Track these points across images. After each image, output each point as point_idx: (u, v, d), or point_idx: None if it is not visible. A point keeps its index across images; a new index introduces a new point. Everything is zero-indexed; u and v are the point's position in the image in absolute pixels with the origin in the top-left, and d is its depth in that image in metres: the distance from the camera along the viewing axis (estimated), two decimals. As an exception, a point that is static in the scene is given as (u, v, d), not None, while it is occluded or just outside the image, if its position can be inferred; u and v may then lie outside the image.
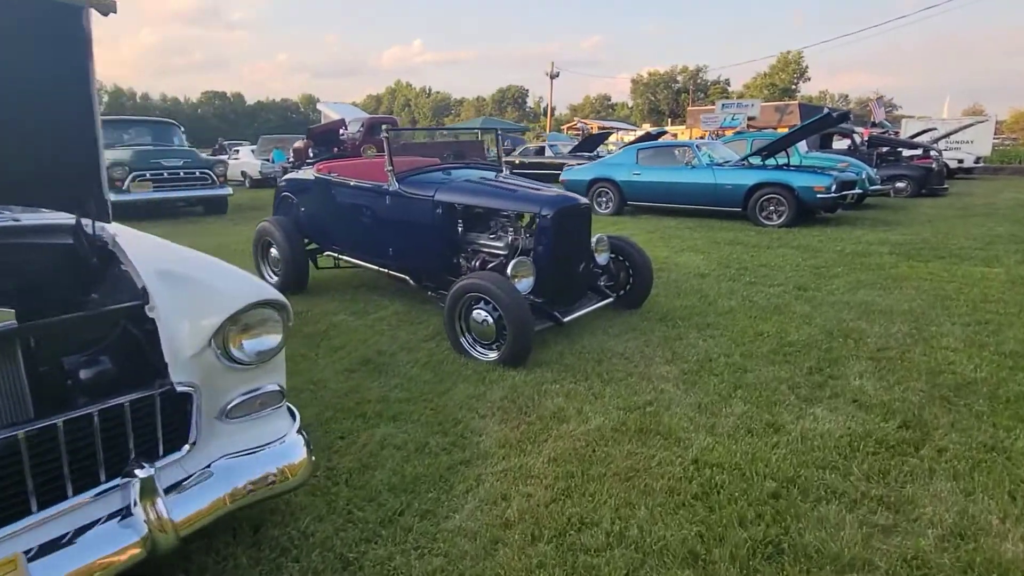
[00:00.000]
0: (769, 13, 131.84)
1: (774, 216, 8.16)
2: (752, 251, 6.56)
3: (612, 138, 25.81)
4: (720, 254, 6.42)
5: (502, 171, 4.97)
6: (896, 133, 20.32)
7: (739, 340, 3.71)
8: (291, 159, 14.29)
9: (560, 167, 11.86)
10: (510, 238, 3.82)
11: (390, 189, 4.08)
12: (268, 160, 16.69)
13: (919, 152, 13.13)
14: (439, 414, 2.78)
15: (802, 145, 11.12)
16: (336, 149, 13.28)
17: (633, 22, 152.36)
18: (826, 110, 8.14)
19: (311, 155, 12.37)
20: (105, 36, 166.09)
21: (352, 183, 4.38)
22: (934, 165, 12.14)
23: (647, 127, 22.61)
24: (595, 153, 15.62)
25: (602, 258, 4.09)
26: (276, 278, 4.88)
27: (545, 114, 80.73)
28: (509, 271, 3.37)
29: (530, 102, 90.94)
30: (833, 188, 7.77)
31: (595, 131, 30.63)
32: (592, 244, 4.02)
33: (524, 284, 3.42)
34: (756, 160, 9.01)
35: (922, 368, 3.21)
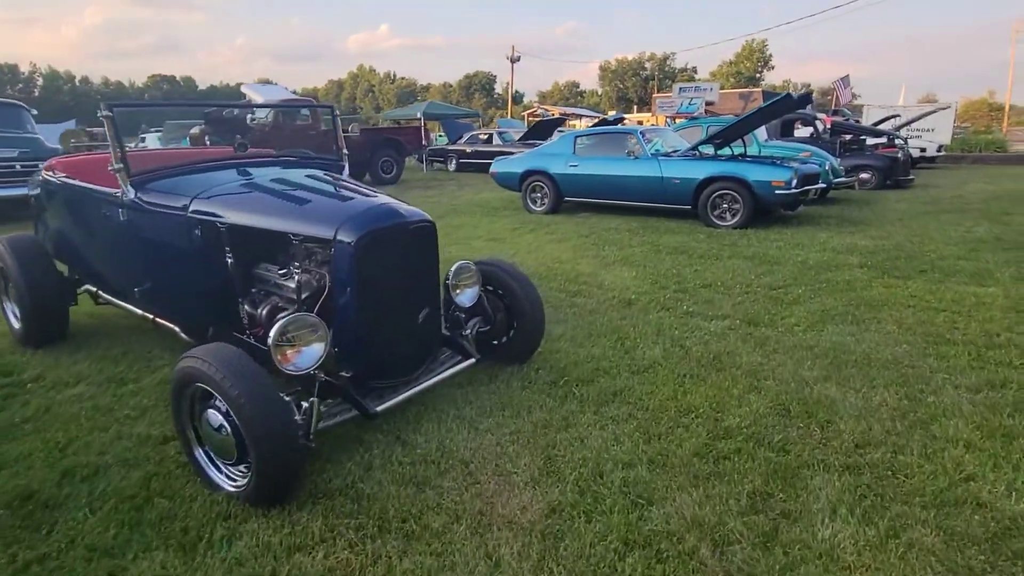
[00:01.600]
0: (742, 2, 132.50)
1: (728, 215, 7.00)
2: (698, 263, 5.36)
3: (580, 124, 24.25)
4: (658, 268, 5.20)
5: (344, 168, 3.62)
6: (858, 121, 19.62)
7: (653, 428, 2.46)
8: (196, 148, 12.57)
9: (509, 156, 10.48)
10: (301, 275, 2.47)
11: (125, 199, 2.67)
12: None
13: (883, 140, 12.23)
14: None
15: (761, 133, 10.03)
16: (240, 137, 11.60)
17: (610, 8, 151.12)
18: (787, 93, 6.97)
19: (207, 144, 10.76)
20: (45, 15, 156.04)
21: (81, 188, 2.95)
22: (900, 154, 11.24)
23: (612, 114, 21.10)
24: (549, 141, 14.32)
25: (465, 296, 2.78)
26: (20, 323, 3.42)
27: (514, 100, 79.07)
28: (272, 338, 2.02)
29: (498, 88, 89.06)
30: (794, 183, 6.64)
31: (554, 116, 29.38)
32: (449, 277, 2.71)
33: (306, 357, 2.08)
34: (709, 150, 7.83)
35: (928, 493, 2.01)
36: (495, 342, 3.07)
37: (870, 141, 12.49)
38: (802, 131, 12.93)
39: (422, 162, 16.77)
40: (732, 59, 67.84)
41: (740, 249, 5.87)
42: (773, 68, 67.34)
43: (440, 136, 19.69)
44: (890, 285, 4.50)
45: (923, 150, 15.72)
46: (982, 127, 28.41)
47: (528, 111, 32.77)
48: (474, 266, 2.84)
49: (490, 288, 3.06)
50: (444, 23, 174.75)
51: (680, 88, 18.55)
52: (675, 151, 7.73)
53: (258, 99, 16.22)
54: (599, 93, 74.81)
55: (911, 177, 11.46)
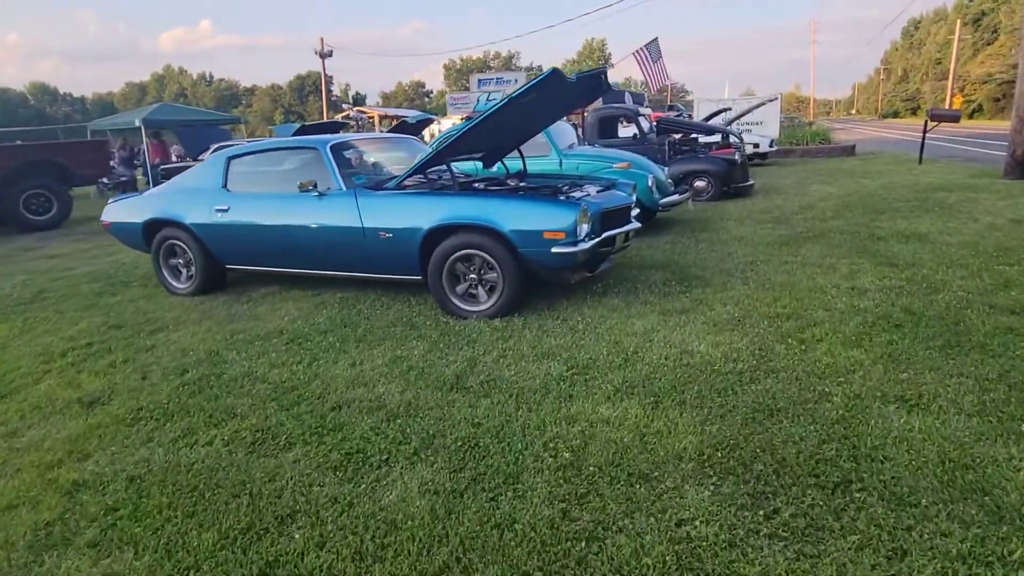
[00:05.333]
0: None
1: (482, 292, 3.87)
2: (344, 483, 2.05)
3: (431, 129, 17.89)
4: (222, 526, 1.80)
5: None
6: (690, 116, 18.27)
7: None
8: None
9: (128, 195, 6.48)
10: None
11: None
12: None
13: (718, 140, 10.22)
14: None
15: (564, 133, 7.20)
16: None
17: (455, 8, 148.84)
18: (552, 69, 3.91)
19: None
20: None
21: None
22: (737, 156, 9.18)
23: (413, 116, 15.43)
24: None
25: None
26: None
27: (355, 102, 73.13)
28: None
29: (336, 90, 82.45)
30: (582, 231, 3.66)
31: (373, 119, 25.41)
32: None
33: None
34: (467, 169, 4.69)
35: None
36: None
37: (703, 139, 10.44)
38: (627, 131, 10.62)
39: (151, 184, 12.10)
40: (575, 57, 68.69)
41: (473, 409, 2.68)
42: (613, 66, 69.16)
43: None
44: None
45: (756, 146, 14.40)
46: (804, 118, 29.64)
47: (341, 114, 28.38)
48: None
49: None
50: (277, 20, 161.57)
51: (479, 80, 15.35)
52: (392, 178, 4.37)
53: None
54: (446, 93, 72.05)
55: (751, 182, 9.48)
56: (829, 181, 10.74)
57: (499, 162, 5.12)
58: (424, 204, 3.89)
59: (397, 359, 3.24)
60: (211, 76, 75.91)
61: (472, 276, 3.86)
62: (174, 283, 4.85)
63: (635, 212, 4.66)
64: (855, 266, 4.67)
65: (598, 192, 4.38)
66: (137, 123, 12.58)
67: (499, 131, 4.33)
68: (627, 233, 4.24)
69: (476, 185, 4.50)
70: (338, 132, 12.29)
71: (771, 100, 14.79)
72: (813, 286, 4.17)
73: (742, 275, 4.57)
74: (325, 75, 32.81)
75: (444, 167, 5.18)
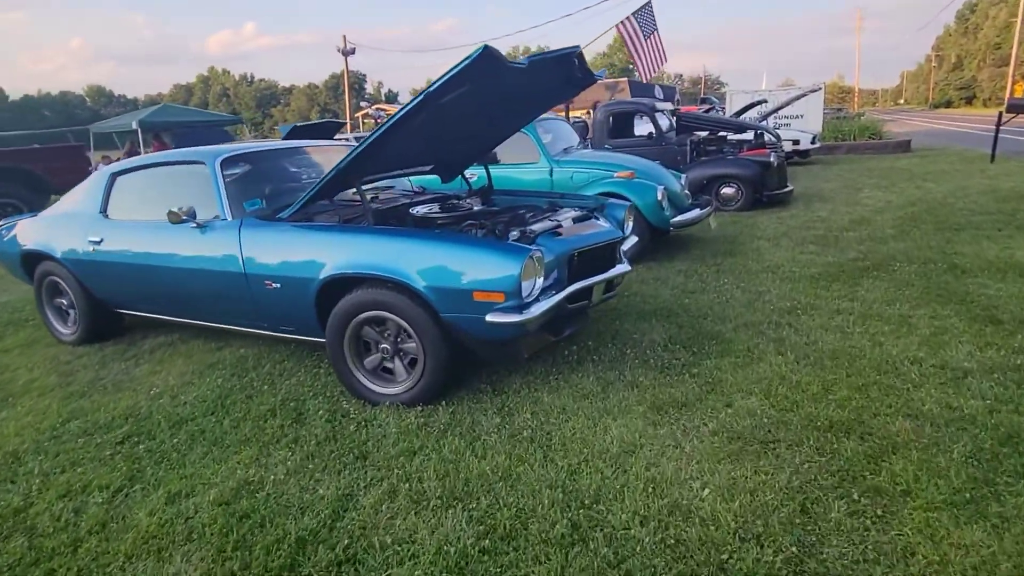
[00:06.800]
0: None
1: (399, 367, 2.76)
2: None
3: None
4: None
5: None
6: (722, 110, 16.70)
7: None
8: None
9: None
10: None
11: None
12: None
13: (751, 139, 8.80)
14: None
15: (559, 135, 6.00)
16: None
17: (482, 4, 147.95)
18: (483, 46, 2.74)
19: None
20: None
21: None
22: (773, 159, 7.79)
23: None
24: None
25: None
26: None
27: (388, 99, 72.88)
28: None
29: (369, 88, 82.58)
30: (533, 288, 2.51)
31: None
32: None
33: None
34: (422, 191, 3.57)
35: None
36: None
37: (733, 137, 9.05)
38: (645, 127, 9.33)
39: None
40: (606, 51, 66.68)
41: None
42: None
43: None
44: None
45: (796, 143, 12.82)
46: (851, 110, 27.41)
47: (361, 112, 27.47)
48: None
49: None
50: (316, 19, 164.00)
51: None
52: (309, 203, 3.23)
53: None
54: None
55: (789, 188, 8.07)
56: (885, 185, 9.20)
57: (459, 176, 4.00)
58: (320, 244, 2.78)
59: (241, 488, 2.16)
60: (252, 77, 77.08)
61: (385, 345, 2.75)
62: (60, 328, 3.91)
63: (628, 245, 3.46)
64: (938, 321, 3.36)
65: (575, 221, 3.20)
66: (134, 125, 11.92)
67: (437, 137, 3.18)
68: (610, 280, 3.05)
69: (415, 211, 3.38)
70: (333, 133, 11.30)
71: (814, 91, 13.14)
72: (882, 361, 2.89)
73: (776, 334, 3.32)
74: (348, 72, 32.11)
75: (397, 186, 4.10)
